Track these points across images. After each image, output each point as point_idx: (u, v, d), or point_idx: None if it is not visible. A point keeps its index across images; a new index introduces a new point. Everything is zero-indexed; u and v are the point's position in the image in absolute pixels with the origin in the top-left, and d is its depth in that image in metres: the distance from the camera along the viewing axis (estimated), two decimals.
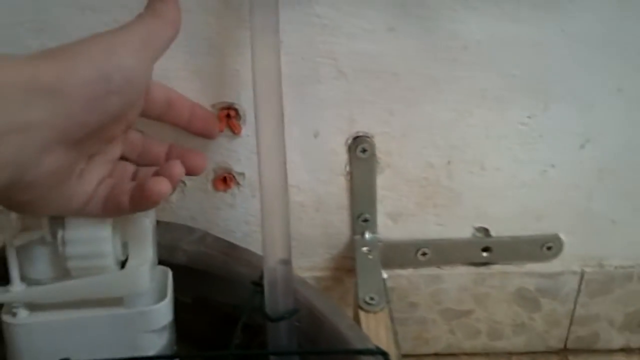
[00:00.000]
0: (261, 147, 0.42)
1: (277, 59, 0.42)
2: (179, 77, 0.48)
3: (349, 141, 0.52)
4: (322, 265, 0.58)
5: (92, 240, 0.40)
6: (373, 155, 0.52)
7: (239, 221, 0.55)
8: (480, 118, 0.51)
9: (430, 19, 0.47)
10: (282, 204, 0.43)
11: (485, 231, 0.57)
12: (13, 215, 0.39)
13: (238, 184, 0.54)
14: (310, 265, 0.58)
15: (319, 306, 0.45)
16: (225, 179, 0.53)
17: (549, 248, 0.57)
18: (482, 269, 0.59)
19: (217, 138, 0.51)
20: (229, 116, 0.50)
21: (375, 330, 0.46)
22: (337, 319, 0.44)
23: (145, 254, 0.41)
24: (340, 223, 0.56)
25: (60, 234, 0.40)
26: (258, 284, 0.44)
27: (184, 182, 0.53)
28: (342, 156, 0.53)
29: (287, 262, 0.43)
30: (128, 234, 0.41)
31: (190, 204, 0.54)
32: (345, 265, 0.58)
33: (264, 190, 0.43)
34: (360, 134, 0.52)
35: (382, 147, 0.52)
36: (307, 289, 0.46)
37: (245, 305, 0.43)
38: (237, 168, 0.53)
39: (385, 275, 0.52)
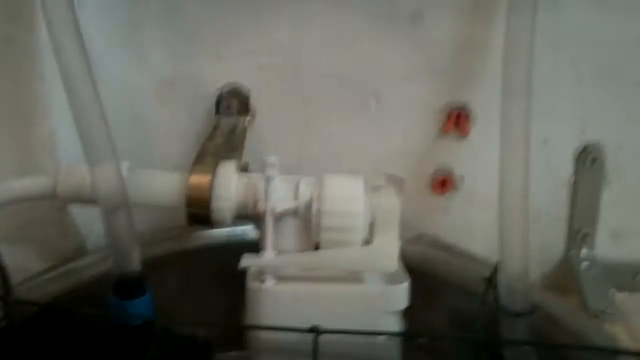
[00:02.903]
0: (505, 151, 0.42)
1: (529, 61, 0.42)
2: (415, 74, 0.50)
3: (578, 150, 0.51)
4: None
5: (346, 214, 0.41)
6: (602, 166, 0.51)
7: (451, 227, 0.55)
8: None
9: None
10: (523, 209, 0.43)
11: None
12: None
13: (455, 188, 0.54)
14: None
15: (556, 308, 0.43)
16: (443, 182, 0.53)
17: None
18: None
19: (442, 139, 0.52)
20: (459, 117, 0.51)
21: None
22: (578, 320, 0.42)
23: (392, 234, 0.42)
24: (555, 237, 0.54)
25: (315, 206, 0.41)
26: (490, 281, 0.44)
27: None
28: (568, 166, 0.52)
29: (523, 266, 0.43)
30: (377, 213, 0.42)
31: (404, 204, 0.55)
32: (555, 283, 0.56)
33: (505, 195, 0.42)
34: (592, 142, 0.51)
35: (613, 158, 0.51)
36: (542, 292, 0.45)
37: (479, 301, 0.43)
38: (458, 171, 0.53)
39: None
